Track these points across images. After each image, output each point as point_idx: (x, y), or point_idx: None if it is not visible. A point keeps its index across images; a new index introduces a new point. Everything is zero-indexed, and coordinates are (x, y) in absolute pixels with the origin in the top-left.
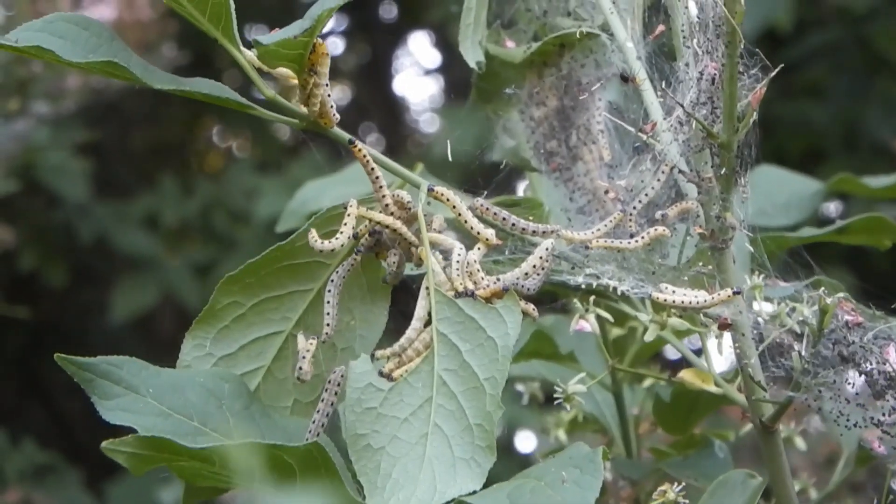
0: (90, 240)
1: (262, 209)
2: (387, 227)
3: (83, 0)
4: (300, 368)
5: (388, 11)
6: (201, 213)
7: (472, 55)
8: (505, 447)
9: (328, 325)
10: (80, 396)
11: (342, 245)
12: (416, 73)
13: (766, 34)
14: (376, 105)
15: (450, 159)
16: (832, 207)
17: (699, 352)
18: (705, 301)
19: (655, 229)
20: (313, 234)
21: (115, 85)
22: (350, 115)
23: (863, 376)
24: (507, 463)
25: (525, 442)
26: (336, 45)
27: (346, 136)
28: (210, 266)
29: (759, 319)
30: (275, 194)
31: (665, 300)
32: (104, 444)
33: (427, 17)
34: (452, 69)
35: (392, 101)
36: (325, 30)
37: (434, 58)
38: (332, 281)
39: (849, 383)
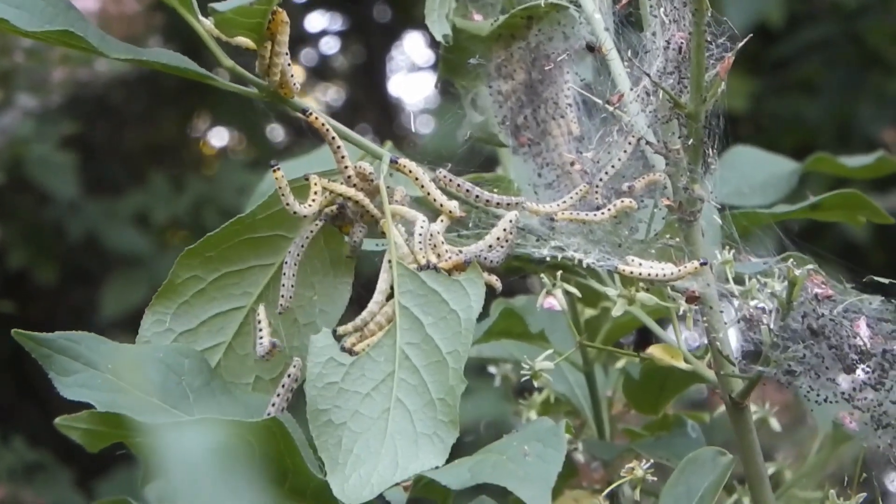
0: (80, 238)
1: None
2: (349, 198)
3: None
4: (260, 344)
5: (383, 12)
6: (192, 210)
7: (439, 28)
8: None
9: (283, 295)
10: None
11: (315, 210)
12: (409, 71)
13: (757, 29)
14: (371, 105)
15: (413, 131)
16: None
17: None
18: (672, 273)
19: (622, 201)
20: (287, 190)
21: (102, 77)
22: (344, 116)
23: (833, 350)
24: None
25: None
26: (330, 46)
27: (304, 104)
28: None
29: (729, 293)
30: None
31: (631, 272)
32: (57, 420)
33: (421, 17)
34: None
35: (386, 102)
36: (319, 29)
37: (428, 58)
38: (290, 251)
39: (819, 357)
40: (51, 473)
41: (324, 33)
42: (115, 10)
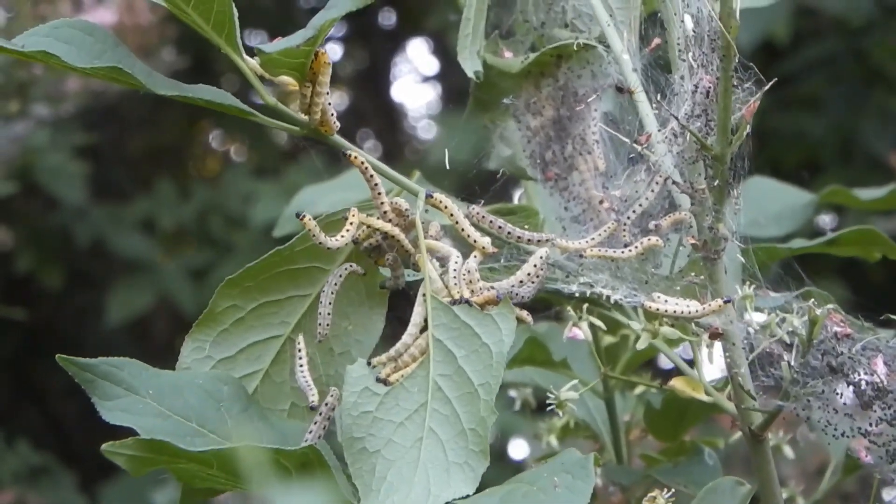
0: (87, 243)
1: (259, 214)
2: (385, 233)
3: (84, 3)
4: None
5: (387, 18)
6: (198, 217)
7: (471, 65)
8: (498, 454)
9: (320, 324)
10: (75, 399)
11: (345, 243)
12: (414, 80)
13: (763, 46)
14: (374, 111)
15: (447, 167)
16: (826, 220)
17: (692, 361)
18: (696, 311)
19: (648, 239)
20: (316, 230)
21: (115, 88)
22: (348, 121)
23: (851, 387)
24: (501, 470)
25: (518, 449)
26: (335, 52)
27: (345, 143)
28: (206, 270)
29: (750, 329)
30: (271, 199)
31: (657, 309)
32: (104, 446)
33: (425, 24)
34: (450, 76)
35: (390, 108)
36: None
37: (432, 65)
38: (328, 281)
39: (837, 393)
40: (54, 476)
41: (328, 39)
42: (130, 21)
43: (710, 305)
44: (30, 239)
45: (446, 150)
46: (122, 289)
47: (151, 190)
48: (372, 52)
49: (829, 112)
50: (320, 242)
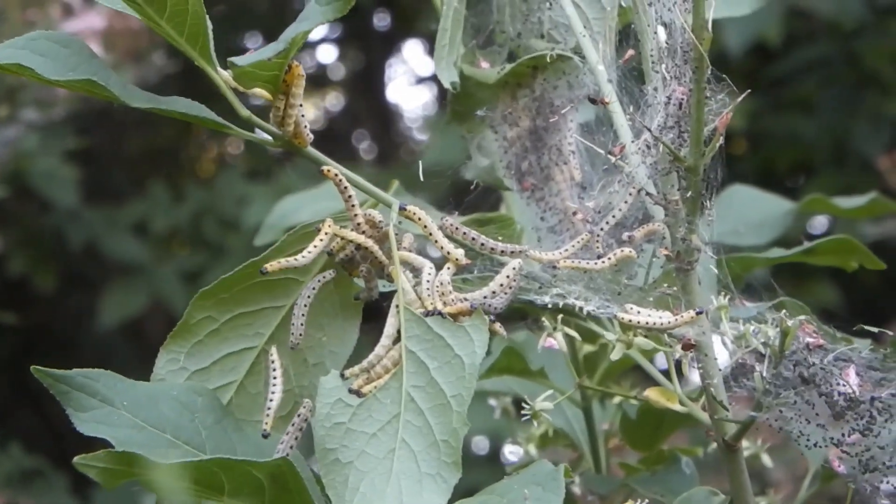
0: (80, 245)
1: (251, 217)
2: (358, 245)
3: (74, 8)
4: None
5: (382, 20)
6: (191, 219)
7: (447, 75)
8: (491, 458)
9: (294, 333)
10: None
11: (314, 257)
12: (409, 82)
13: (755, 49)
14: (369, 113)
15: (421, 179)
16: (818, 224)
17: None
18: (669, 322)
19: (622, 250)
20: (273, 264)
21: None
22: (343, 123)
23: (823, 397)
24: (492, 473)
25: (513, 454)
26: (329, 53)
27: (318, 156)
28: (199, 272)
29: (724, 340)
30: (264, 202)
31: (630, 320)
32: (76, 459)
33: (420, 25)
34: None
35: (385, 110)
36: (319, 38)
37: (427, 66)
38: (302, 293)
39: (809, 404)
40: (47, 479)
41: (323, 40)
42: (120, 25)
43: (682, 317)
44: (23, 241)
45: (419, 163)
46: (115, 291)
47: (145, 192)
48: (367, 53)
49: (821, 115)
50: (278, 267)
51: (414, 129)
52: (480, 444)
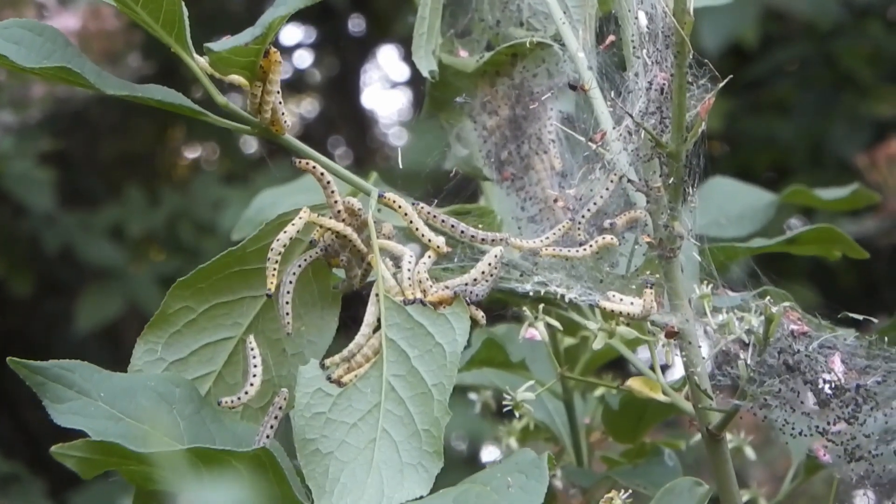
0: (56, 249)
1: (228, 220)
2: (337, 233)
3: (49, 9)
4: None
5: (357, 25)
6: (167, 223)
7: (426, 64)
8: (470, 459)
9: (282, 319)
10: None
11: (289, 238)
12: (384, 87)
13: (731, 50)
14: (344, 118)
15: (400, 166)
16: (796, 224)
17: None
18: (640, 309)
19: (603, 238)
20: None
21: (81, 94)
22: (318, 129)
23: (808, 385)
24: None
25: (492, 455)
26: (304, 59)
27: (296, 143)
28: (175, 276)
29: (707, 328)
30: (240, 205)
31: (612, 308)
32: (53, 448)
33: (395, 30)
34: (421, 82)
35: (361, 115)
36: (294, 43)
37: (403, 71)
38: (282, 281)
39: (794, 392)
40: (24, 484)
41: (298, 46)
42: (95, 27)
43: (646, 300)
44: None
45: (399, 149)
46: (91, 296)
47: (121, 197)
48: (342, 58)
49: (798, 116)
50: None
51: (389, 135)
52: (459, 447)
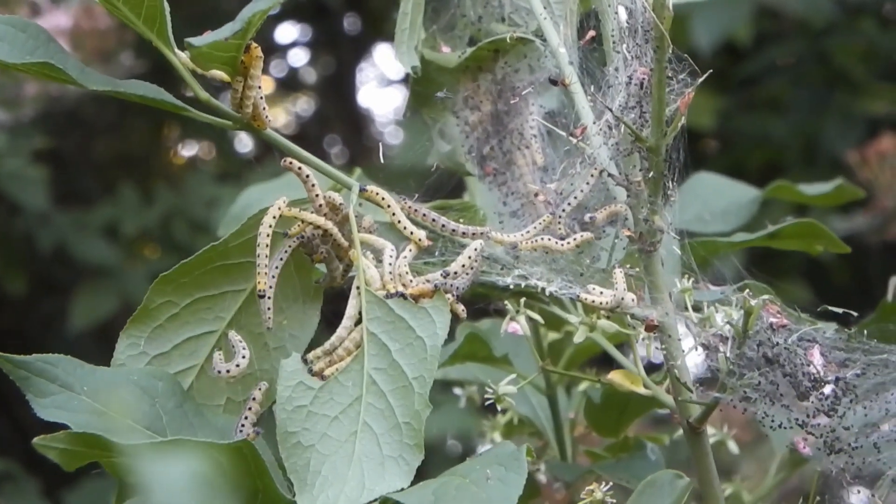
0: (50, 248)
1: (222, 218)
2: (318, 227)
3: (41, 7)
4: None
5: (353, 24)
6: (161, 222)
7: (408, 60)
8: (461, 458)
9: (264, 314)
10: None
11: (267, 234)
12: (380, 86)
13: (725, 48)
14: (340, 117)
15: (383, 161)
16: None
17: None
18: (609, 299)
19: (582, 235)
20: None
21: (74, 92)
22: (314, 127)
23: (787, 378)
24: None
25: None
26: (299, 57)
27: (277, 138)
28: None
29: (688, 322)
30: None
31: (592, 301)
32: (36, 440)
33: (390, 28)
34: None
35: (356, 114)
36: (289, 42)
37: (398, 70)
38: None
39: (774, 384)
40: (18, 483)
41: (293, 45)
42: (87, 25)
43: (618, 281)
44: None
45: (380, 145)
46: (86, 294)
47: (115, 195)
48: (337, 57)
49: (791, 114)
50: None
51: (385, 134)
52: (453, 448)
